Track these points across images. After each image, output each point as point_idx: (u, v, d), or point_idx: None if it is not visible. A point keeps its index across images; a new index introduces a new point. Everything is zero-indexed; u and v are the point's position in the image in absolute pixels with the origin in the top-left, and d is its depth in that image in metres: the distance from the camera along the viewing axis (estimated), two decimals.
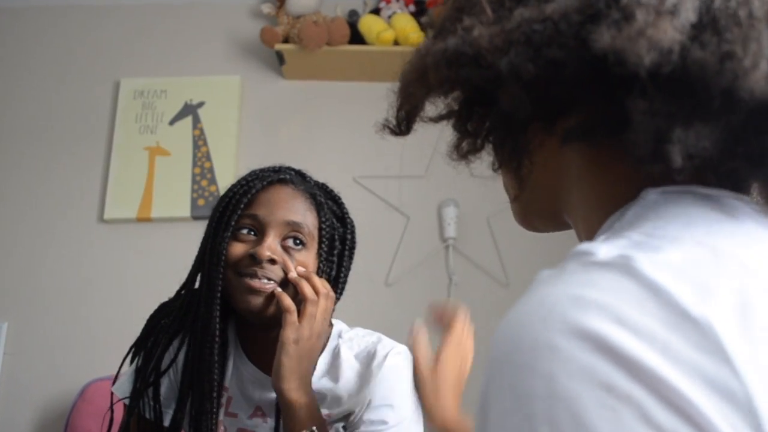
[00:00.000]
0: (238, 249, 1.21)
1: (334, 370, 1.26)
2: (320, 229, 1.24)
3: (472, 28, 0.60)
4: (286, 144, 2.89)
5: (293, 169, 1.32)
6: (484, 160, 0.80)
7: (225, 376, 1.26)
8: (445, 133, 0.76)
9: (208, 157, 2.82)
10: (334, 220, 1.29)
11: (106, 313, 2.65)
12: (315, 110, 2.94)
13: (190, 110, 2.90)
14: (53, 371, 2.59)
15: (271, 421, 1.24)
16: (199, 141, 2.84)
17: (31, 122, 2.95)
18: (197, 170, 2.80)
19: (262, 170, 1.29)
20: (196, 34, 3.06)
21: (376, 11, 2.90)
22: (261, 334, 1.25)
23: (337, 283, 1.29)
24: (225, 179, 2.77)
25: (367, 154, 2.81)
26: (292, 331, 1.15)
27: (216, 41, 3.05)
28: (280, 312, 1.17)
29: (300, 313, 1.16)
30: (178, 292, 1.32)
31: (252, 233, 1.23)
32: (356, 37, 2.83)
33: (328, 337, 1.29)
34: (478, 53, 0.58)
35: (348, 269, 1.31)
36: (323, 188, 1.33)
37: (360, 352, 1.28)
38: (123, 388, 1.30)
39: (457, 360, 1.29)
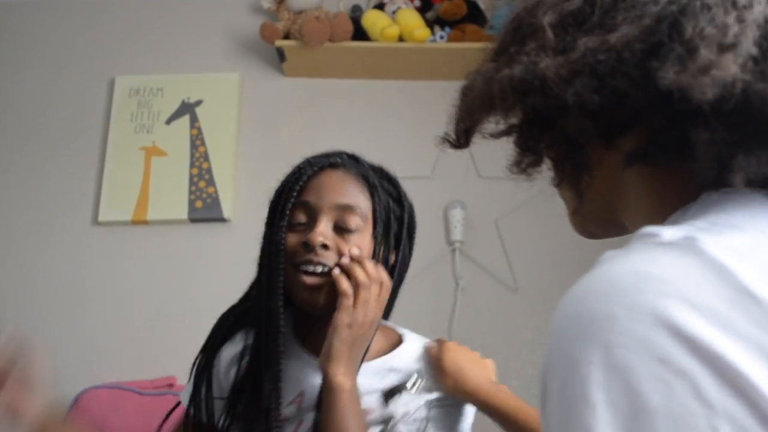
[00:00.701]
0: (292, 239, 1.25)
1: (386, 373, 1.29)
2: (374, 211, 1.27)
3: (538, 57, 0.63)
4: (287, 144, 2.89)
5: (346, 153, 1.36)
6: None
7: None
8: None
9: (206, 158, 2.82)
10: (390, 202, 1.32)
11: (100, 319, 2.65)
12: (317, 109, 2.94)
13: (187, 109, 2.90)
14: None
15: (305, 407, 1.25)
16: (196, 141, 2.84)
17: (23, 121, 2.95)
18: (195, 171, 2.80)
19: (314, 156, 1.33)
20: (194, 30, 3.06)
21: (380, 6, 2.90)
22: (318, 324, 1.27)
23: (396, 267, 1.32)
24: (223, 180, 2.77)
25: (371, 155, 2.79)
26: (346, 315, 1.17)
27: (214, 37, 3.05)
28: (335, 300, 1.19)
29: (354, 298, 1.19)
30: (248, 293, 1.36)
31: (306, 221, 1.26)
32: (359, 33, 2.83)
33: (398, 342, 1.33)
34: (544, 84, 0.62)
35: (408, 252, 1.35)
36: (378, 170, 1.37)
37: (415, 366, 1.31)
38: (186, 396, 1.34)
39: (460, 348, 1.33)
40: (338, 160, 1.31)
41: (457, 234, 2.70)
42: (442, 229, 2.76)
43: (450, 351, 1.30)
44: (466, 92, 0.74)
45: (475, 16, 2.88)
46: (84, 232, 2.79)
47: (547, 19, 0.65)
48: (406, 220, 1.33)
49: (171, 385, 2.39)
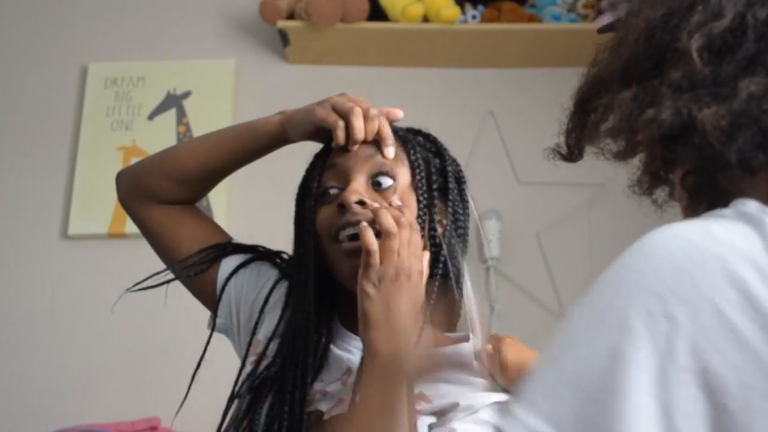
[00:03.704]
0: (325, 210, 1.29)
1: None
2: (411, 162, 1.31)
3: (688, 98, 0.66)
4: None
5: None
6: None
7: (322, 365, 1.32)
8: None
9: None
10: (429, 155, 1.36)
11: (71, 349, 2.66)
12: None
13: (173, 102, 2.92)
14: (9, 420, 2.60)
15: (351, 384, 1.27)
16: (184, 139, 2.86)
17: None
18: None
19: None
20: (182, 9, 3.08)
21: None
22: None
23: (456, 221, 1.38)
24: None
25: None
26: (372, 272, 1.17)
27: (205, 18, 3.07)
28: None
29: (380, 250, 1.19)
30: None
31: (338, 189, 1.29)
32: (377, 13, 2.83)
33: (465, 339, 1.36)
34: (702, 138, 0.65)
35: (459, 206, 1.40)
36: (409, 128, 1.41)
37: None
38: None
39: (519, 342, 1.39)
40: None
41: (492, 249, 2.71)
42: (474, 244, 2.76)
43: (510, 344, 1.34)
44: (584, 109, 0.77)
45: None
46: (51, 247, 2.80)
47: (694, 43, 0.66)
48: (451, 171, 1.38)
49: (154, 428, 2.39)
